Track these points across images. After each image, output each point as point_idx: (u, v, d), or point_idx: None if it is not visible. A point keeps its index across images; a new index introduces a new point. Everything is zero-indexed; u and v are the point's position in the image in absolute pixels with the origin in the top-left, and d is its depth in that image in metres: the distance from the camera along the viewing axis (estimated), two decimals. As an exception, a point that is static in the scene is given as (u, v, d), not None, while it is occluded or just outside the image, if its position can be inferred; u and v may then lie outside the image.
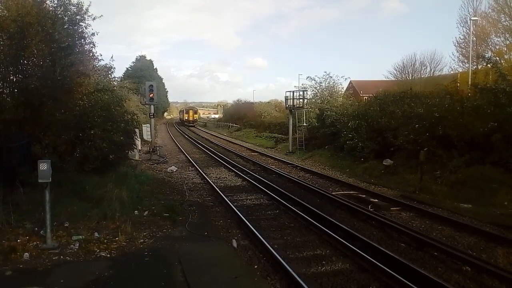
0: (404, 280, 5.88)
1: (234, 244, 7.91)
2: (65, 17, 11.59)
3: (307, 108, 28.49)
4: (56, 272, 6.16)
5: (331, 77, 32.11)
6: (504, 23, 29.20)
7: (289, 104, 28.27)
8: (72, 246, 7.35)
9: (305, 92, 28.83)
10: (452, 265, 6.95)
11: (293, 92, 28.28)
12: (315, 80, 31.94)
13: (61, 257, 6.90)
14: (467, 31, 30.36)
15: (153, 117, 24.37)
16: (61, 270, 6.29)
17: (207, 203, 11.70)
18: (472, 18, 28.74)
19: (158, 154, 23.70)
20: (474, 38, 29.21)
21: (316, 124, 27.32)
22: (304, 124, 27.94)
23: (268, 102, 54.15)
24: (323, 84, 32.01)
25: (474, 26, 29.15)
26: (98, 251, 7.20)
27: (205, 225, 9.12)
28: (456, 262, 7.00)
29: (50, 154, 10.11)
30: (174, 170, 17.92)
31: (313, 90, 32.02)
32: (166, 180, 15.31)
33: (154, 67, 77.91)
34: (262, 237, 8.01)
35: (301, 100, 27.88)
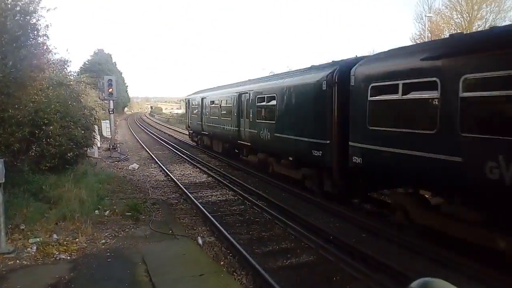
0: (363, 268, 6.10)
1: (200, 241, 7.87)
2: (16, 7, 10.94)
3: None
4: (12, 278, 5.87)
5: (290, 69, 32.40)
6: (456, 20, 30.86)
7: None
8: (29, 249, 7.02)
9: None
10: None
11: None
12: (274, 73, 32.16)
13: (17, 261, 6.58)
14: (423, 27, 31.74)
15: (113, 113, 23.62)
16: (17, 275, 6.00)
17: (171, 201, 11.53)
18: (427, 15, 30.11)
19: (118, 151, 23.03)
20: (429, 34, 30.55)
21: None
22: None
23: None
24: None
25: (429, 22, 30.55)
26: (57, 253, 6.93)
27: (169, 223, 8.99)
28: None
29: (3, 153, 9.56)
30: (136, 168, 17.50)
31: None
32: (127, 178, 14.93)
33: (113, 61, 75.50)
34: (228, 233, 8.03)
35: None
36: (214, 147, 21.94)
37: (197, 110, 24.69)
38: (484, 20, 29.80)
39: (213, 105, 21.19)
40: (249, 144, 15.66)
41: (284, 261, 7.01)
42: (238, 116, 16.76)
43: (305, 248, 7.58)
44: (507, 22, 28.10)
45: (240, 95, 16.73)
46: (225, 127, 18.66)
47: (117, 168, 17.63)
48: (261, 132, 13.92)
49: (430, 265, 6.55)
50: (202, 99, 23.34)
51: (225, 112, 19.02)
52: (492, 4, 29.33)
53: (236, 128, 16.90)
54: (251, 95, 15.29)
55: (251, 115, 15.20)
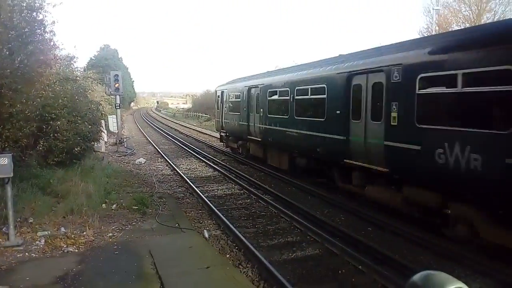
0: (369, 262, 6.12)
1: (206, 234, 7.92)
2: (23, 2, 11.00)
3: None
4: (21, 270, 5.97)
5: (296, 63, 32.29)
6: (464, 13, 30.49)
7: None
8: (37, 242, 7.12)
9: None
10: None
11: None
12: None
13: (26, 254, 6.68)
14: (430, 20, 31.41)
15: (119, 108, 23.80)
16: (26, 267, 6.09)
17: (177, 195, 11.60)
18: (435, 8, 29.76)
19: (125, 145, 23.20)
20: (437, 27, 30.19)
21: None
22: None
23: (239, 92, 53.49)
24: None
25: (436, 15, 30.20)
26: (65, 246, 7.02)
27: (175, 217, 9.05)
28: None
29: (11, 148, 9.68)
30: (143, 162, 17.61)
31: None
32: (134, 173, 15.04)
33: (119, 56, 75.62)
34: (234, 227, 8.07)
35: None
36: (271, 160, 15.08)
37: (239, 106, 17.91)
38: (493, 12, 29.40)
39: (275, 97, 14.12)
40: (383, 169, 8.31)
41: (290, 254, 7.03)
42: (345, 116, 9.72)
43: (311, 241, 7.60)
44: (516, 13, 27.60)
45: (351, 76, 9.54)
46: (305, 132, 11.64)
47: (124, 162, 17.74)
48: (439, 150, 6.82)
49: (435, 258, 6.55)
50: (250, 89, 16.69)
51: (307, 108, 11.89)
52: (502, -4, 28.94)
53: (340, 137, 9.79)
54: (397, 74, 7.93)
55: (395, 114, 7.98)
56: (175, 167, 15.80)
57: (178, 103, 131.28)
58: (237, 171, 14.94)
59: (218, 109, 21.85)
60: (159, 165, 17.28)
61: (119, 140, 23.17)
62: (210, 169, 15.97)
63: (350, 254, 6.62)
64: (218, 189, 12.26)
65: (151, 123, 51.62)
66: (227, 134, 20.35)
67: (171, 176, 14.66)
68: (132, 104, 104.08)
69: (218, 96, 21.61)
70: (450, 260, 6.40)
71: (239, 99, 17.95)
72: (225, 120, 20.17)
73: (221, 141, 22.41)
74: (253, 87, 16.42)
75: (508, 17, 25.73)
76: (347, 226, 8.35)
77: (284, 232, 8.21)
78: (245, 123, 16.97)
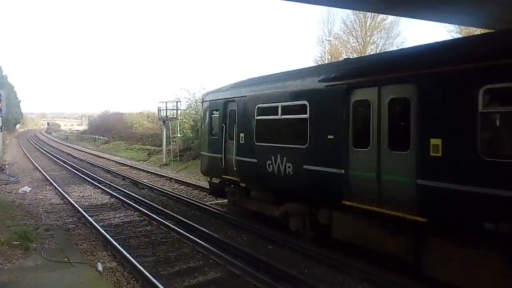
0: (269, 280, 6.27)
1: (100, 267, 7.33)
2: None
3: (181, 119, 28.29)
4: None
5: (204, 88, 32.27)
6: (353, 44, 33.96)
7: (162, 115, 27.80)
8: None
9: (178, 103, 28.49)
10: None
11: (166, 102, 27.82)
12: (188, 91, 31.79)
13: None
14: (323, 49, 34.29)
15: (1, 131, 21.27)
16: None
17: (67, 226, 10.57)
18: (327, 39, 32.66)
19: (7, 173, 20.70)
20: (329, 56, 33.04)
21: (191, 135, 27.43)
22: (179, 135, 27.70)
23: (140, 113, 51.59)
24: (196, 95, 32.02)
25: (329, 45, 33.14)
26: None
27: (65, 250, 8.22)
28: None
29: None
30: (28, 191, 15.79)
31: (187, 101, 31.43)
32: (17, 203, 13.38)
33: (4, 74, 67.86)
34: (131, 257, 7.62)
35: (174, 111, 27.64)
36: None
37: (298, 130, 8.29)
38: (376, 45, 33.23)
39: None
40: None
41: (191, 280, 6.87)
42: None
43: (213, 265, 7.52)
44: (394, 47, 31.46)
45: None
46: None
47: (5, 192, 15.72)
48: None
49: (328, 271, 6.98)
50: (382, 91, 6.51)
51: None
52: (382, 31, 32.95)
53: None
54: None
55: None
56: (65, 195, 14.46)
57: (72, 125, 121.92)
58: (137, 196, 14.23)
59: (212, 134, 11.76)
60: (47, 193, 15.65)
61: (0, 167, 20.58)
62: (106, 196, 14.96)
63: (251, 274, 6.71)
64: (115, 217, 11.51)
65: (40, 146, 46.81)
66: (244, 185, 10.32)
67: (61, 205, 13.35)
68: (18, 126, 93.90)
69: (215, 110, 11.64)
70: (341, 272, 6.87)
71: (303, 116, 8.15)
72: (237, 158, 10.27)
73: (212, 193, 13.04)
74: (434, 82, 5.88)
75: (388, 50, 29.32)
76: (249, 246, 8.48)
77: (186, 257, 8.00)
78: (334, 171, 7.36)
